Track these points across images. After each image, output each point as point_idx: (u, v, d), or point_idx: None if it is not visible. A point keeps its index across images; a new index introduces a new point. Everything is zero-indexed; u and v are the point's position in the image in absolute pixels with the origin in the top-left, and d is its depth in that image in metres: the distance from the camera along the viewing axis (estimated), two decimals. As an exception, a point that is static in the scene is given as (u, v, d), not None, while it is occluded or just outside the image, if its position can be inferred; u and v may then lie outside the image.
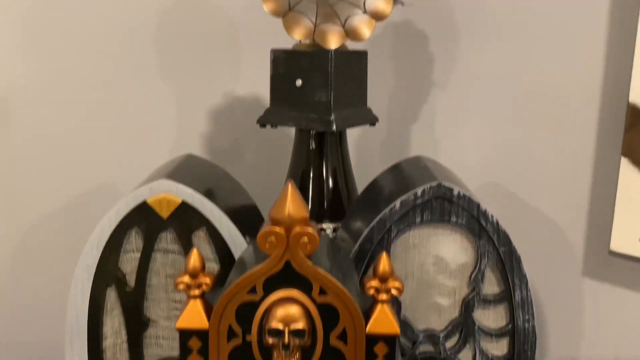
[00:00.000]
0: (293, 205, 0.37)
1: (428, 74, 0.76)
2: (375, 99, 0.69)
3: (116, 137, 0.77)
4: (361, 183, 0.68)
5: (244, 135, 0.83)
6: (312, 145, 0.62)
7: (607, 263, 0.66)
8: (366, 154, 0.82)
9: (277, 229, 0.37)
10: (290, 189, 0.37)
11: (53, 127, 0.74)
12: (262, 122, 0.62)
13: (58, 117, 0.75)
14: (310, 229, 0.37)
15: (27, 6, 0.71)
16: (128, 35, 0.75)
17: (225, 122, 0.82)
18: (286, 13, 0.58)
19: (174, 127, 0.80)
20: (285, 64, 0.60)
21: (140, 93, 0.77)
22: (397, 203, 0.48)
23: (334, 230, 0.61)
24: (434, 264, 0.50)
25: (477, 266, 0.49)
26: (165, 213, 0.49)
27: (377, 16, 0.60)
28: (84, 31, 0.73)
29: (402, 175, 0.54)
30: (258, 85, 0.83)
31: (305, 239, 0.37)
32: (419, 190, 0.48)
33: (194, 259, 0.39)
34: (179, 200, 0.49)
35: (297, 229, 0.37)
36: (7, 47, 0.71)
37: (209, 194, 0.50)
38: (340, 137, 0.63)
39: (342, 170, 0.63)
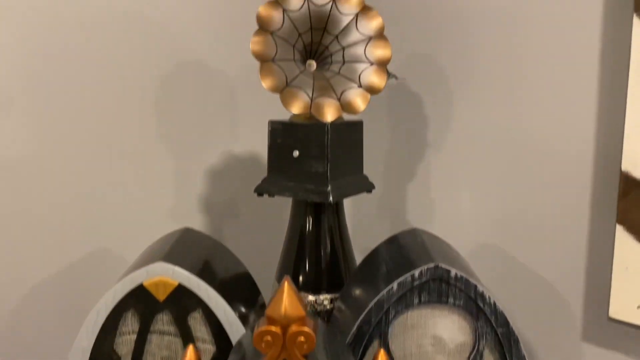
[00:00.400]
0: (289, 303, 0.37)
1: (423, 134, 0.78)
2: (371, 160, 0.70)
3: (114, 199, 0.77)
4: (357, 244, 0.68)
5: (241, 194, 0.83)
6: (309, 216, 0.63)
7: (606, 329, 0.65)
8: (362, 215, 0.82)
9: (273, 328, 0.37)
10: (287, 287, 0.37)
11: (51, 191, 0.75)
12: (259, 191, 0.63)
13: (56, 181, 0.75)
14: (306, 329, 0.37)
15: (26, 71, 0.72)
16: (128, 98, 0.76)
17: (222, 181, 0.83)
18: (284, 88, 0.59)
19: (171, 188, 0.80)
20: (282, 135, 0.61)
21: (139, 154, 0.78)
22: (395, 285, 0.48)
23: (332, 301, 0.61)
24: (432, 345, 0.49)
25: (476, 347, 0.49)
26: (161, 296, 0.49)
27: (371, 90, 0.61)
28: (84, 95, 0.75)
29: (399, 251, 0.54)
30: (255, 145, 0.84)
31: (302, 338, 0.37)
32: (417, 272, 0.48)
33: (189, 357, 0.39)
34: (175, 283, 0.48)
35: (294, 328, 0.37)
36: (6, 113, 0.71)
37: (205, 274, 0.50)
38: (337, 206, 0.64)
39: (340, 240, 0.63)
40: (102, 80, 0.75)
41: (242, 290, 0.56)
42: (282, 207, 0.78)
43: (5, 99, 0.71)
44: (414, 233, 0.57)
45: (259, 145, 0.82)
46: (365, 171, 0.66)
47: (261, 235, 0.82)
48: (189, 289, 0.49)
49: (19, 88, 0.72)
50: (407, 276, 0.48)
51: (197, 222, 0.81)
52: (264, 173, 0.64)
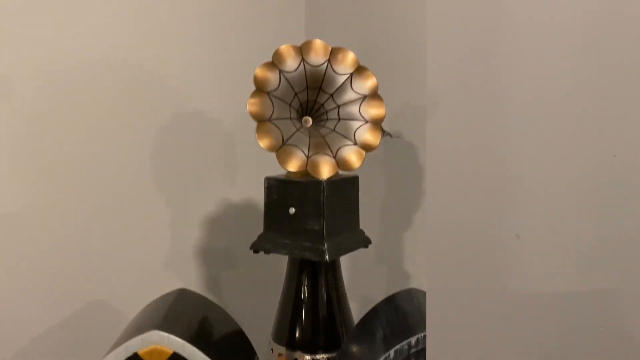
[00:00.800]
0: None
1: (418, 184, 0.78)
2: (367, 211, 0.70)
3: (110, 249, 0.77)
4: (353, 294, 0.68)
5: (237, 244, 0.83)
6: (305, 272, 0.62)
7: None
8: (359, 266, 0.82)
9: (270, 410, 0.36)
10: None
11: (46, 243, 0.74)
12: (255, 249, 0.63)
13: (51, 232, 0.75)
14: (303, 411, 0.36)
15: (23, 120, 0.73)
16: (125, 148, 0.77)
17: (219, 231, 0.83)
18: (280, 147, 0.60)
19: (168, 238, 0.80)
20: (278, 192, 0.62)
21: (136, 204, 0.78)
22: (392, 352, 0.47)
23: (328, 360, 0.60)
24: (430, 412, 0.49)
25: (475, 414, 0.48)
26: (156, 364, 0.48)
27: (366, 147, 0.62)
28: (81, 144, 0.75)
29: (396, 314, 0.54)
30: (252, 195, 0.84)
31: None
32: (413, 340, 0.47)
33: None
34: (170, 352, 0.48)
35: (290, 410, 0.36)
36: (3, 162, 0.72)
37: (200, 339, 0.50)
38: (334, 263, 0.63)
39: (336, 297, 0.63)
40: (99, 130, 0.75)
41: (237, 352, 0.55)
42: (279, 258, 0.78)
43: (2, 147, 0.71)
44: (410, 294, 0.57)
45: (256, 195, 0.82)
46: (362, 222, 0.66)
47: (258, 286, 0.81)
48: (184, 358, 0.48)
49: (16, 136, 0.72)
50: (404, 344, 0.47)
51: (194, 273, 0.81)
52: (260, 222, 0.63)
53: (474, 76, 0.39)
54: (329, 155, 0.61)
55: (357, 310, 0.66)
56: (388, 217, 0.80)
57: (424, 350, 0.48)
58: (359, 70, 0.62)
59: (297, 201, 0.61)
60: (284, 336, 0.62)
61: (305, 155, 0.61)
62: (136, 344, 0.48)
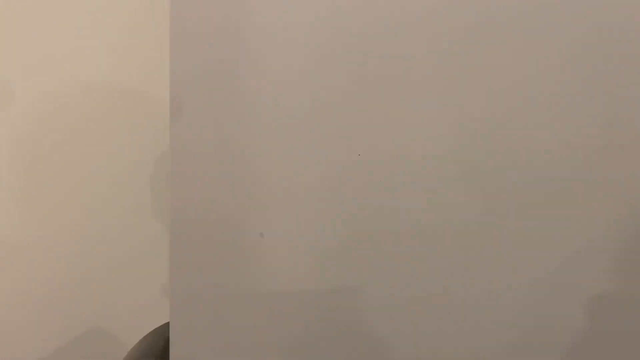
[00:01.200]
0: None
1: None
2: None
3: (107, 275, 0.75)
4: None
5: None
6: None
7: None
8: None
9: None
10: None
11: (42, 270, 0.73)
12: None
13: (47, 258, 0.74)
14: None
15: (16, 145, 0.72)
16: (122, 172, 0.76)
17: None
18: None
19: (166, 263, 0.78)
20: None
21: (134, 229, 0.76)
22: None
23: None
24: None
25: None
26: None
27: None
28: (77, 169, 0.74)
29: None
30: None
31: None
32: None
33: None
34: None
35: None
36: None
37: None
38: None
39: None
40: (96, 158, 0.74)
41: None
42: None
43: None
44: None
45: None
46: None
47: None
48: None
49: (9, 161, 0.72)
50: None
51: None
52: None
53: (217, 77, 0.40)
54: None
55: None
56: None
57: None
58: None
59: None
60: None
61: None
62: (133, 380, 0.46)
